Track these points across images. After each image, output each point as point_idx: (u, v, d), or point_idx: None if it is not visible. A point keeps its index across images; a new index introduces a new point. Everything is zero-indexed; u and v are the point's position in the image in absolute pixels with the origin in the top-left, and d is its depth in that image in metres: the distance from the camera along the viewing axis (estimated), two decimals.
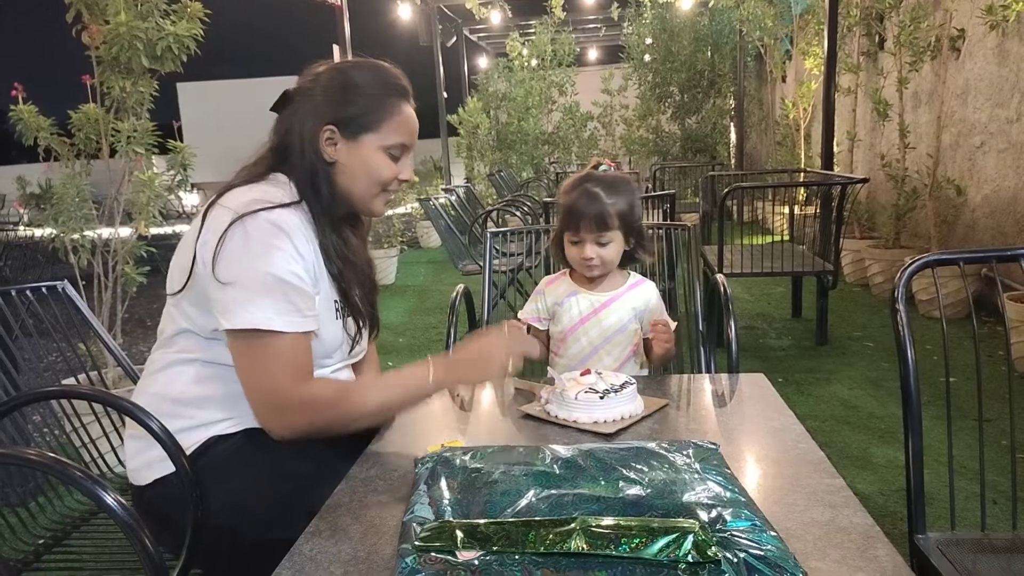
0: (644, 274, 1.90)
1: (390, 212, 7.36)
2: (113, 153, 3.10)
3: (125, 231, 3.20)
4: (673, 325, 1.77)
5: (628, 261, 1.77)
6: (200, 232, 1.29)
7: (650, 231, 2.21)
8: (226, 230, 1.25)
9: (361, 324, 1.47)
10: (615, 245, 1.69)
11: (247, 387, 1.30)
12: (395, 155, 1.41)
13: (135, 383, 2.00)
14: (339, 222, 1.41)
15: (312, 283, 1.32)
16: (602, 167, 1.74)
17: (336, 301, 1.40)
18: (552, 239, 1.81)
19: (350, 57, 6.42)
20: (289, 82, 1.48)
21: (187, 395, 1.35)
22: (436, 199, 5.37)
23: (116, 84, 2.97)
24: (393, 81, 1.42)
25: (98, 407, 1.82)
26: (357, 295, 1.46)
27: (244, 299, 1.25)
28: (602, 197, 1.66)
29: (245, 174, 1.39)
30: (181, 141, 3.29)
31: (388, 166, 1.40)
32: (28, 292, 1.83)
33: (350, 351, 1.48)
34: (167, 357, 1.38)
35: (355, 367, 1.57)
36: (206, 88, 14.77)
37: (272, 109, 1.43)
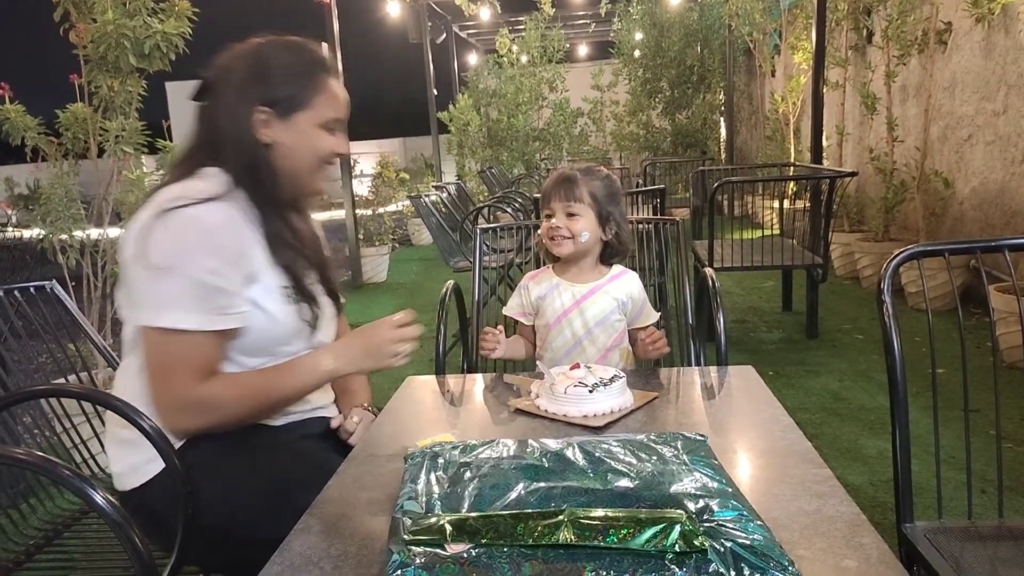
0: (634, 268, 1.91)
1: (381, 209, 7.36)
2: (101, 153, 3.09)
3: (114, 231, 3.19)
4: (657, 316, 1.79)
5: (610, 256, 1.79)
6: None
7: (640, 226, 2.22)
8: (147, 226, 1.25)
9: (315, 310, 1.43)
10: (585, 220, 1.72)
11: (150, 383, 1.30)
12: (331, 130, 1.40)
13: None
14: (283, 208, 1.40)
15: (241, 277, 1.30)
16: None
17: (284, 287, 1.38)
18: (538, 235, 1.84)
19: (339, 55, 6.42)
20: None
21: None
22: (427, 196, 5.36)
23: (104, 83, 2.96)
24: (318, 56, 1.41)
25: (88, 407, 1.81)
26: (311, 280, 1.45)
27: (157, 297, 1.25)
28: (576, 175, 1.74)
29: (176, 172, 1.37)
30: (171, 140, 3.28)
31: (326, 140, 1.39)
32: (16, 293, 1.82)
33: (312, 334, 1.44)
34: (139, 362, 1.36)
35: None
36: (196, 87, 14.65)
37: (193, 99, 1.41)
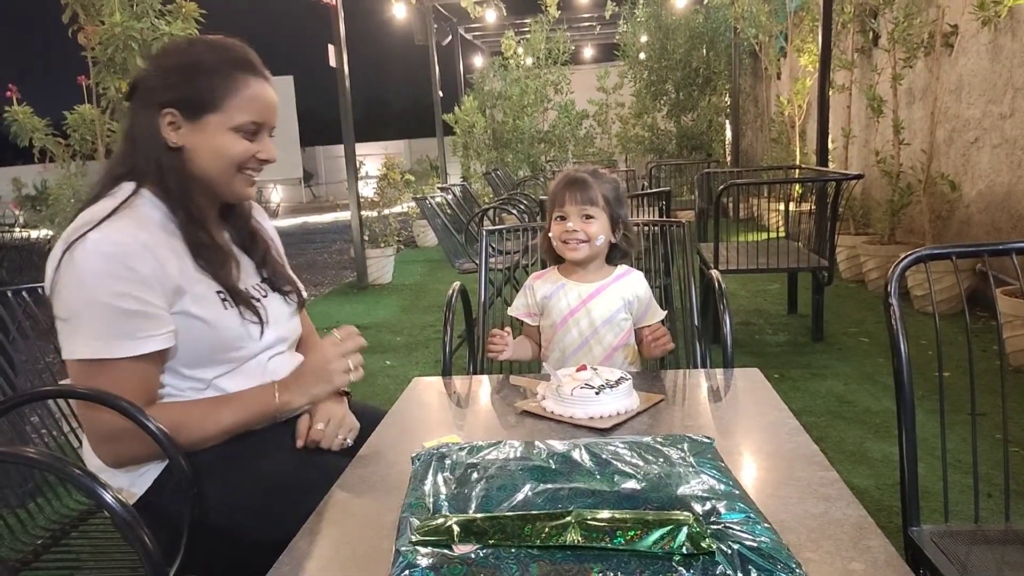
0: (640, 270, 1.91)
1: (386, 211, 7.37)
2: (108, 154, 3.10)
3: None
4: (663, 314, 1.79)
5: (618, 257, 1.80)
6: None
7: (645, 228, 2.23)
8: (58, 264, 1.23)
9: (258, 310, 1.39)
10: (599, 224, 1.72)
11: (80, 416, 1.28)
12: (247, 132, 1.33)
13: None
14: (201, 212, 1.35)
15: (162, 295, 1.26)
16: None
17: (220, 292, 1.34)
18: (542, 235, 1.84)
19: (332, 54, 6.42)
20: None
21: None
22: (432, 198, 5.37)
23: (112, 85, 2.97)
24: (234, 55, 1.33)
25: None
26: (252, 281, 1.44)
27: (73, 330, 1.23)
28: (588, 178, 1.74)
29: (96, 187, 1.35)
30: None
31: (239, 145, 1.32)
32: (24, 293, 1.83)
33: (261, 335, 1.39)
34: None
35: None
36: None
37: (124, 100, 1.40)
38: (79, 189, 3.07)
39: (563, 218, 1.73)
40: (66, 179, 3.07)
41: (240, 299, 1.36)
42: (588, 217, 1.71)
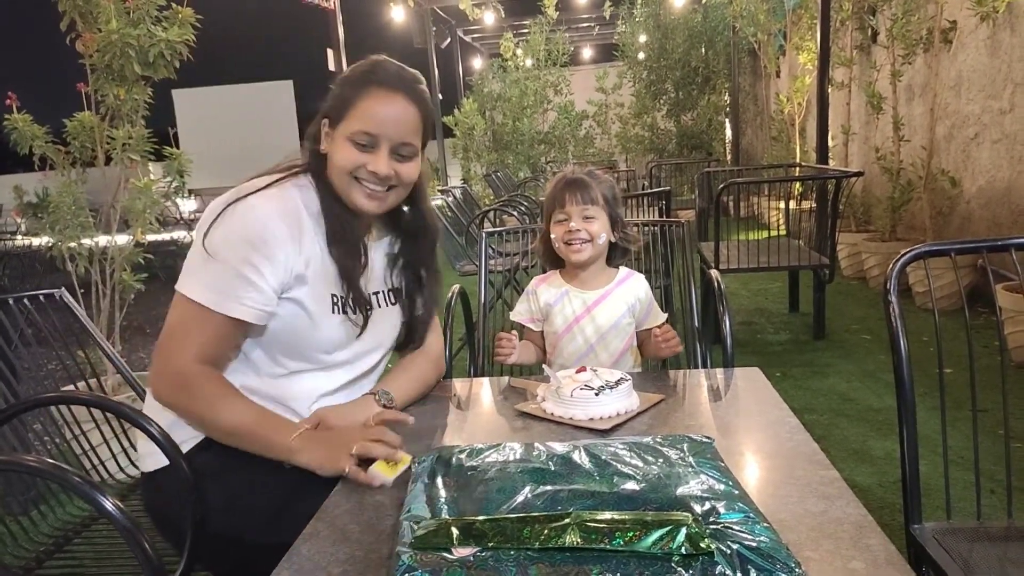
0: (640, 271, 1.91)
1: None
2: (108, 161, 3.10)
3: (122, 238, 3.20)
4: (665, 317, 1.79)
5: (619, 257, 1.80)
6: None
7: (645, 228, 2.23)
8: (221, 212, 1.32)
9: (366, 314, 1.42)
10: (600, 223, 1.72)
11: (157, 344, 1.34)
12: (361, 144, 1.35)
13: (134, 389, 2.01)
14: (346, 211, 1.40)
15: (280, 275, 1.32)
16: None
17: (334, 295, 1.39)
18: (539, 239, 1.83)
19: (331, 58, 6.46)
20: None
21: None
22: (433, 200, 5.37)
23: (110, 91, 2.97)
24: (364, 68, 1.40)
25: (98, 414, 1.82)
26: (372, 289, 1.47)
27: (198, 270, 1.31)
28: (586, 178, 1.74)
29: (277, 166, 1.45)
30: (178, 147, 3.29)
31: (349, 154, 1.35)
32: (26, 301, 1.83)
33: (350, 342, 1.43)
34: None
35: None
36: (202, 94, 14.74)
37: None
38: (79, 196, 3.07)
39: (564, 219, 1.73)
40: (66, 186, 3.06)
41: (355, 291, 1.41)
42: (589, 217, 1.71)
